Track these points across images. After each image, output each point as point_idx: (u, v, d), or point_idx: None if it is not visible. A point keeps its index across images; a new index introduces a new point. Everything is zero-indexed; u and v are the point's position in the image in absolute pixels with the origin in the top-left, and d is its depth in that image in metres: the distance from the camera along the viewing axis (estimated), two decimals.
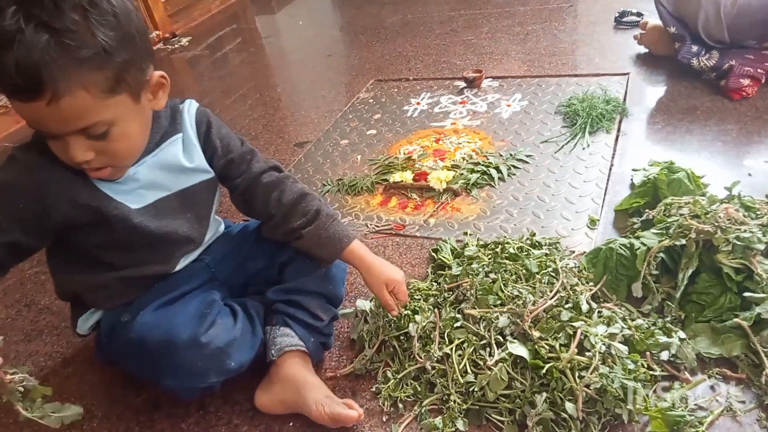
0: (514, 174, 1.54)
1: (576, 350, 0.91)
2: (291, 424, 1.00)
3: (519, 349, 0.93)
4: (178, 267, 1.05)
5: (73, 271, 0.99)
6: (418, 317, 1.06)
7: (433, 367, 1.00)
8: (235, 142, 1.05)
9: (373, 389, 1.03)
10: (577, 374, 0.89)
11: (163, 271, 1.03)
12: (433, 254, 1.29)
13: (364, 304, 1.13)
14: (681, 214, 1.09)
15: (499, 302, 1.04)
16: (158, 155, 0.96)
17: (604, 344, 0.92)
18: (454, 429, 0.92)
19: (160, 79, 0.90)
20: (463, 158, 1.63)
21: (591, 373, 0.88)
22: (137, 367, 1.02)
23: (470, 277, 1.12)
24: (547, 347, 0.93)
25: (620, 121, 1.66)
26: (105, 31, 0.76)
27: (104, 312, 1.03)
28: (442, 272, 1.20)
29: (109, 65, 0.78)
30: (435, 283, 1.18)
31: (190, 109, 1.02)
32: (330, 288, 1.08)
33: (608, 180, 1.44)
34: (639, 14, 2.21)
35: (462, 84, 2.06)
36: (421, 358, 1.01)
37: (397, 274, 1.05)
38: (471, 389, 0.95)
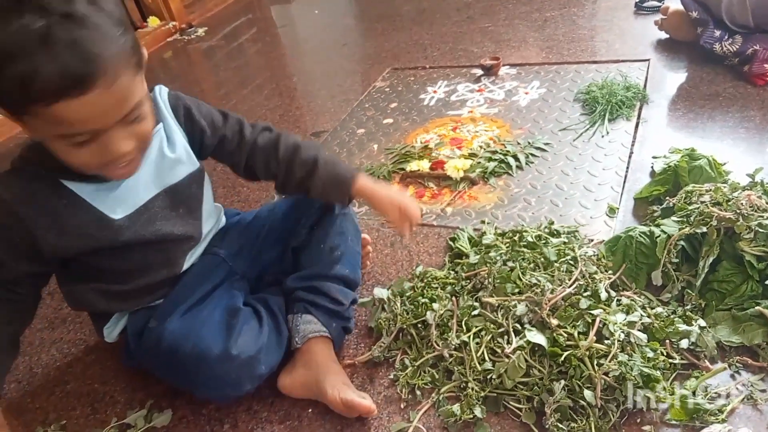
0: (532, 162, 1.53)
1: (595, 338, 0.91)
2: (310, 410, 1.01)
3: (537, 337, 0.93)
4: (186, 266, 1.05)
5: (81, 283, 0.98)
6: (435, 305, 1.06)
7: (451, 355, 1.00)
8: (218, 116, 1.04)
9: (391, 376, 1.03)
10: (595, 362, 0.89)
11: (171, 275, 1.03)
12: (451, 243, 1.29)
13: (382, 293, 1.13)
14: (702, 202, 1.08)
15: (517, 290, 1.04)
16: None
17: (623, 332, 0.92)
18: (471, 416, 0.92)
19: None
20: (481, 147, 1.62)
21: (610, 361, 0.88)
22: (170, 377, 1.03)
23: (488, 265, 1.11)
24: (566, 335, 0.93)
25: (640, 108, 1.64)
26: (113, 9, 0.75)
27: (129, 317, 1.03)
28: (459, 261, 1.20)
29: (129, 41, 0.76)
30: (452, 272, 1.18)
31: (161, 95, 0.98)
32: (347, 272, 1.08)
33: (628, 168, 1.42)
34: None
35: (479, 72, 2.04)
36: (438, 345, 1.01)
37: (406, 199, 1.07)
38: (489, 377, 0.95)
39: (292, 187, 1.07)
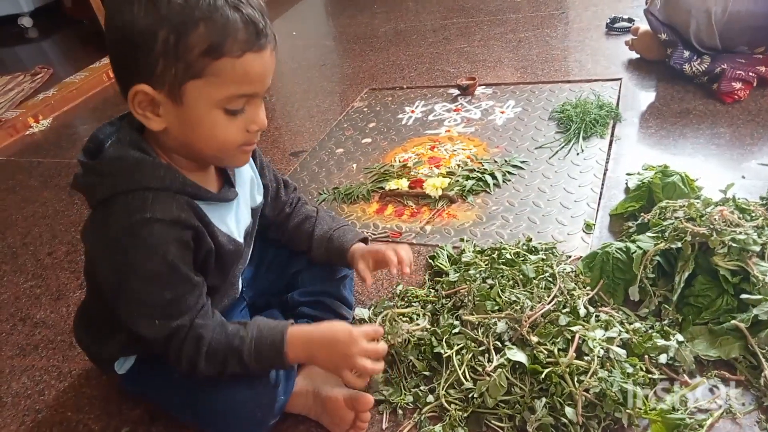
0: (509, 180, 1.55)
1: (574, 355, 0.91)
2: None
3: (518, 355, 0.93)
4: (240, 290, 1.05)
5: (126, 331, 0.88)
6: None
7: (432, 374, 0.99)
8: (266, 163, 1.05)
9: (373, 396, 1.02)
10: (576, 379, 0.89)
11: (232, 300, 1.02)
12: (430, 261, 1.29)
13: (363, 312, 1.13)
14: (676, 217, 1.10)
15: (496, 308, 1.04)
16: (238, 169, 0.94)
17: (602, 348, 0.92)
18: None
19: None
20: (458, 165, 1.63)
21: (590, 378, 0.88)
22: (187, 414, 0.98)
23: (467, 283, 1.12)
24: (546, 352, 0.93)
25: (614, 126, 1.67)
26: None
27: None
28: (439, 279, 1.20)
29: None
30: (432, 290, 1.18)
31: None
32: (344, 293, 1.10)
33: (603, 184, 1.45)
34: (630, 20, 2.22)
35: (456, 91, 2.07)
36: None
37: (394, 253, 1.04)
38: (470, 396, 0.94)
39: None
